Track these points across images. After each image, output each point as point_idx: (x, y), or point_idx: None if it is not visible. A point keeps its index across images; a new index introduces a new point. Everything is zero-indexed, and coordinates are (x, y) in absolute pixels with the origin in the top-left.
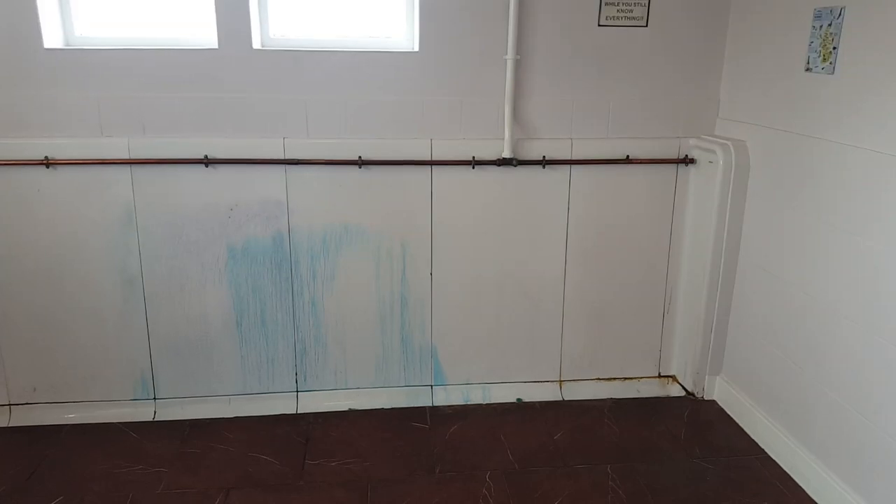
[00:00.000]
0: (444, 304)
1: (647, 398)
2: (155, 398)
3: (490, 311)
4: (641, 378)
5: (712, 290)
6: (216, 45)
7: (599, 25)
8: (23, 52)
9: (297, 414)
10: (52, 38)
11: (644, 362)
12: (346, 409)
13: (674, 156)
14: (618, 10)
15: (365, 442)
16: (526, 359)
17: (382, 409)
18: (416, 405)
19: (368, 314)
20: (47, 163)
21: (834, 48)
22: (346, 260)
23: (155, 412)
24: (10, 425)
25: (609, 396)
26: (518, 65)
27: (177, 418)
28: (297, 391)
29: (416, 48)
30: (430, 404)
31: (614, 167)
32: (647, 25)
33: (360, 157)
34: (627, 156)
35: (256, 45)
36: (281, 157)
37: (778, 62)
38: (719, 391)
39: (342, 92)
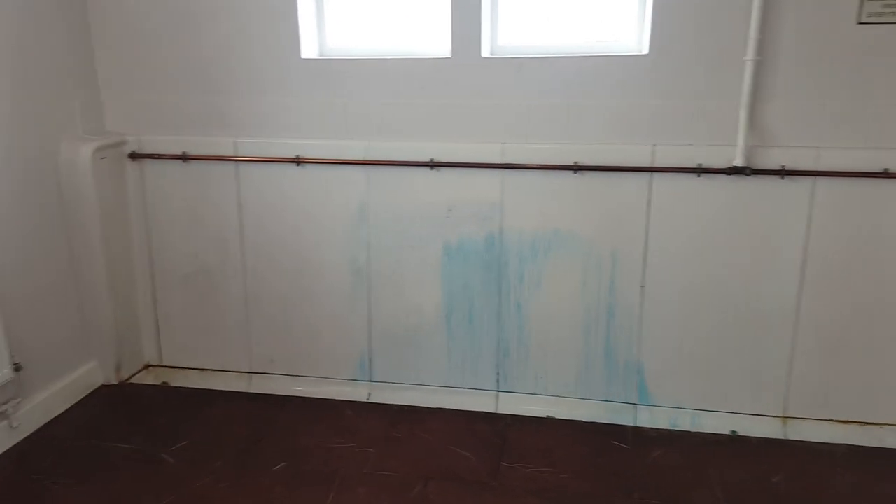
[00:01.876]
0: (654, 319)
1: (892, 449)
2: (370, 380)
3: (707, 332)
4: (886, 425)
5: None
6: (449, 55)
7: (859, 23)
8: (283, 61)
9: (495, 413)
10: (308, 48)
11: (891, 407)
12: (544, 415)
13: None
14: (883, 6)
15: (561, 453)
16: (745, 388)
17: (581, 421)
18: (617, 422)
19: (573, 322)
20: (298, 161)
21: None
22: (554, 265)
23: (369, 394)
24: (249, 391)
25: (844, 442)
26: (758, 67)
27: (387, 402)
28: (498, 391)
29: (645, 51)
30: (633, 424)
31: (869, 181)
32: None
33: (575, 162)
34: (886, 169)
35: (486, 53)
36: (499, 161)
37: None
38: None
39: (563, 97)
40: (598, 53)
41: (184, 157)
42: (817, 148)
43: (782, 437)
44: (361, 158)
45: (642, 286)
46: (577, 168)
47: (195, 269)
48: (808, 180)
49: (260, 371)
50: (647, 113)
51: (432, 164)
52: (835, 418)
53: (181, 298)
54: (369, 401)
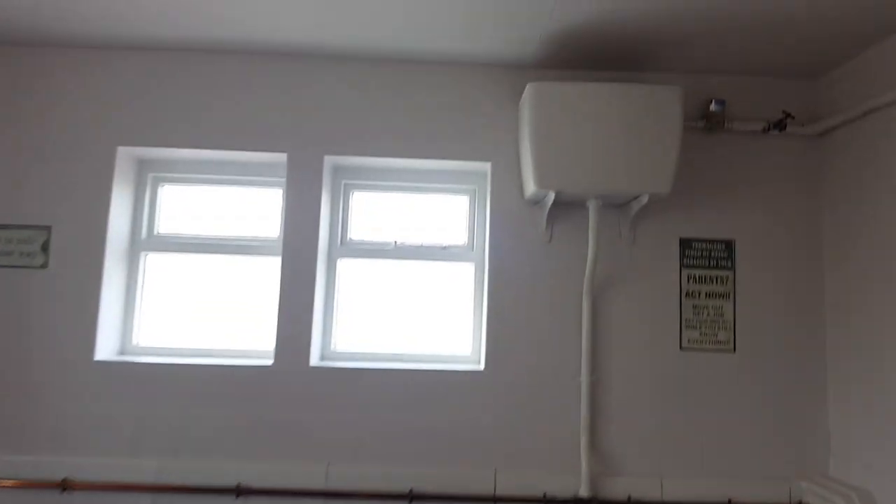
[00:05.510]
0: None
1: None
2: None
3: None
4: None
5: None
6: (271, 361)
7: (681, 349)
8: (69, 361)
9: None
10: (105, 347)
11: None
12: None
13: (785, 501)
14: (700, 334)
15: None
16: None
17: None
18: None
19: None
20: (63, 486)
21: None
22: None
23: None
24: None
25: None
26: (595, 387)
27: None
28: None
29: (482, 367)
30: None
31: None
32: (734, 351)
33: (411, 489)
34: (729, 500)
35: (314, 361)
36: (322, 487)
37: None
38: None
39: (398, 412)
40: (435, 368)
41: None
42: (661, 477)
43: None
44: (150, 483)
45: None
46: (412, 497)
47: None
48: None
49: None
50: (488, 434)
51: (238, 491)
52: None
53: None
54: None
